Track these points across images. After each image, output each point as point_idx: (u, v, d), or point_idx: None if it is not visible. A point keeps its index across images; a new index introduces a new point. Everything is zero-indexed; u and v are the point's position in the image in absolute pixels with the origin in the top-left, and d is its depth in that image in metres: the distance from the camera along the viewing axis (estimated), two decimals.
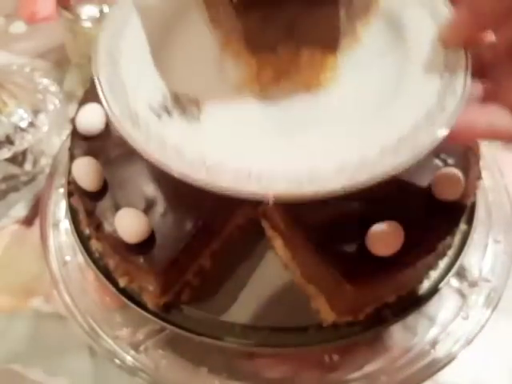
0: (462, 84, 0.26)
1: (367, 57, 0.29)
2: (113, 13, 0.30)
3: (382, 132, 0.26)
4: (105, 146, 0.35)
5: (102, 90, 0.27)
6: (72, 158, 0.35)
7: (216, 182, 0.24)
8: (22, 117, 0.44)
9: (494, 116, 0.26)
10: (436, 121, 0.25)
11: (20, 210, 0.45)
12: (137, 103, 0.27)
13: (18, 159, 0.45)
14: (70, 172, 0.35)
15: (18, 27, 0.58)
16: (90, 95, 0.36)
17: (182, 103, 0.28)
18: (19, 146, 0.44)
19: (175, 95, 0.28)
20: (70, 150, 0.35)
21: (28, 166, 0.46)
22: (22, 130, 0.44)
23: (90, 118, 0.35)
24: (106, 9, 0.46)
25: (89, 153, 0.35)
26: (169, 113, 0.27)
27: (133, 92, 0.27)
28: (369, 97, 0.28)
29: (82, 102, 0.36)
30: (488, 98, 0.27)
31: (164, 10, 0.31)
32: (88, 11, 0.47)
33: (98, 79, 0.27)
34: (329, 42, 0.27)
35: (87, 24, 0.47)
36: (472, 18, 0.26)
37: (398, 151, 0.24)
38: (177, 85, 0.29)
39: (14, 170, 0.45)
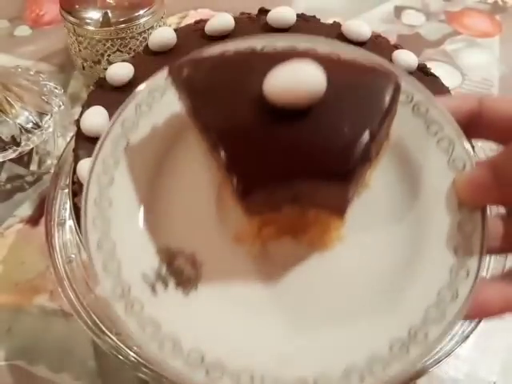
0: (476, 265, 0.24)
1: (374, 210, 0.27)
2: (100, 160, 0.27)
3: (391, 323, 0.24)
4: None
5: (92, 261, 0.25)
6: (76, 158, 0.35)
7: None
8: (27, 118, 0.45)
9: (508, 289, 0.24)
10: (447, 311, 0.23)
11: (25, 209, 0.46)
12: (130, 272, 0.25)
13: (23, 160, 0.45)
14: (74, 172, 0.35)
15: (23, 31, 0.58)
16: (94, 98, 0.37)
17: (178, 266, 0.26)
18: (25, 146, 0.44)
19: (170, 254, 0.26)
20: (75, 150, 0.36)
21: (33, 167, 0.46)
22: (28, 131, 0.44)
23: (94, 120, 0.36)
24: (109, 13, 0.47)
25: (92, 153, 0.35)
26: (164, 283, 0.26)
27: (125, 257, 0.25)
28: (376, 266, 0.26)
29: (86, 105, 0.37)
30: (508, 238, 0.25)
31: (153, 149, 0.28)
32: (91, 15, 0.47)
33: (87, 245, 0.25)
34: (336, 208, 0.25)
35: (91, 28, 0.47)
36: (495, 183, 0.24)
37: (407, 350, 0.23)
38: (171, 239, 0.27)
39: (19, 170, 0.45)
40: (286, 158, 0.23)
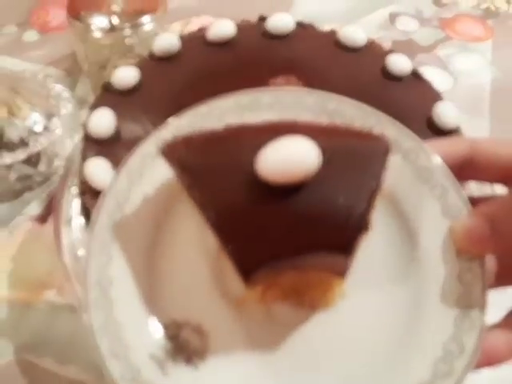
0: (480, 314, 0.24)
1: (373, 266, 0.27)
2: (97, 237, 0.26)
3: (400, 381, 0.24)
4: (115, 148, 0.36)
5: (99, 345, 0.24)
6: (84, 159, 0.36)
7: None
8: (35, 121, 0.45)
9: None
10: (456, 365, 0.23)
11: (34, 208, 0.46)
12: (138, 354, 0.24)
13: (32, 160, 0.45)
14: (81, 172, 0.36)
15: (31, 36, 0.59)
16: (101, 101, 0.37)
17: (184, 338, 0.26)
18: (33, 148, 0.45)
19: (175, 327, 0.26)
20: (82, 152, 0.36)
21: (42, 167, 0.47)
22: (36, 133, 0.45)
23: (101, 122, 0.36)
24: (115, 19, 0.48)
25: (99, 155, 0.36)
26: (173, 359, 0.25)
27: (131, 338, 0.25)
28: (379, 322, 0.26)
29: (93, 107, 0.37)
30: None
31: (148, 219, 0.27)
32: (98, 21, 0.48)
33: (92, 328, 0.24)
34: (338, 271, 0.25)
35: (97, 33, 0.48)
36: (493, 235, 0.23)
37: None
38: (174, 311, 0.26)
39: (28, 170, 0.46)
40: (285, 236, 0.22)
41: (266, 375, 0.25)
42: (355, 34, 0.39)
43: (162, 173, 0.27)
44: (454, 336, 0.24)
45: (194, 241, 0.27)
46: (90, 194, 0.35)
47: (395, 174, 0.26)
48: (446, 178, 0.25)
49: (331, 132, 0.25)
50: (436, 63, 0.57)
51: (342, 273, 0.25)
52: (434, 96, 0.38)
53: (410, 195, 0.26)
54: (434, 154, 0.26)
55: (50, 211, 0.45)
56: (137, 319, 0.25)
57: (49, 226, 0.44)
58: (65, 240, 0.40)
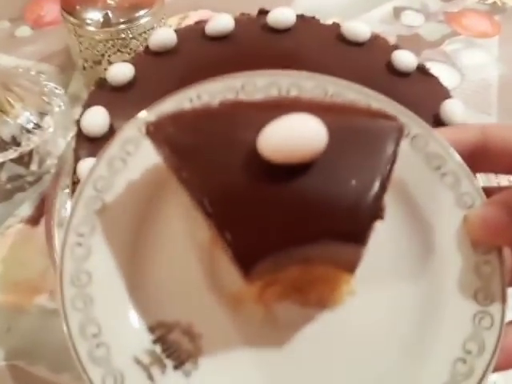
0: (500, 310, 0.22)
1: (384, 260, 0.25)
2: (73, 230, 0.24)
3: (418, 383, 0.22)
4: None
5: (76, 350, 0.22)
6: (77, 158, 0.35)
7: None
8: (27, 119, 0.45)
9: None
10: (476, 365, 0.22)
11: (26, 209, 0.45)
12: (121, 358, 0.22)
13: (24, 160, 0.45)
14: (75, 172, 0.35)
15: (24, 31, 0.58)
16: (94, 98, 0.37)
17: (174, 341, 0.24)
18: (25, 146, 0.44)
19: (163, 329, 0.24)
20: (75, 150, 0.36)
21: (34, 167, 0.46)
22: (28, 131, 0.44)
23: (95, 120, 0.35)
24: (110, 14, 0.47)
25: (93, 154, 0.33)
26: (161, 365, 0.23)
27: (114, 341, 0.23)
28: (393, 321, 0.24)
29: (87, 105, 0.36)
30: None
31: (132, 209, 0.25)
32: (92, 16, 0.47)
33: (69, 331, 0.22)
34: (347, 265, 0.23)
35: (91, 28, 0.47)
36: (510, 224, 0.22)
37: None
38: (162, 312, 0.24)
39: (20, 170, 0.45)
40: (290, 222, 0.20)
41: (267, 381, 0.23)
42: (359, 27, 0.38)
43: (147, 158, 0.25)
44: (473, 334, 0.22)
45: (183, 232, 0.25)
46: None
47: (404, 160, 0.24)
48: (457, 165, 0.24)
49: (338, 110, 0.23)
50: (443, 59, 0.57)
51: (351, 267, 0.23)
52: (442, 93, 0.37)
53: (420, 184, 0.25)
54: (444, 141, 0.25)
55: (42, 212, 0.44)
56: (119, 320, 0.23)
57: (41, 227, 0.43)
58: (57, 242, 0.39)
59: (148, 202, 0.25)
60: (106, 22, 0.47)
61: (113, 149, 0.25)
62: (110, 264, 0.24)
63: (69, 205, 0.39)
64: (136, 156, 0.25)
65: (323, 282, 0.24)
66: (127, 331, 0.23)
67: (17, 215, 0.45)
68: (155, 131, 0.22)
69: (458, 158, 0.24)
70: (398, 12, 0.63)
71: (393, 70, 0.37)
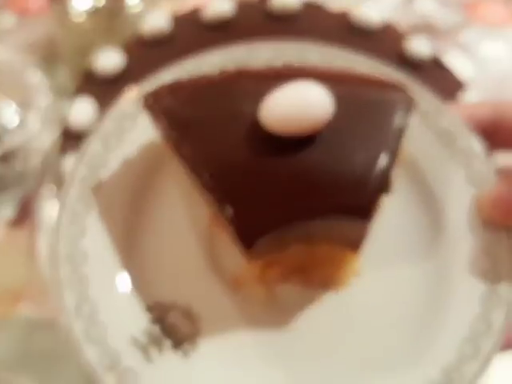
0: (508, 290, 0.22)
1: (390, 239, 0.24)
2: (68, 209, 0.24)
3: (423, 365, 0.22)
4: None
5: (71, 329, 0.22)
6: (63, 155, 0.34)
7: None
8: (10, 114, 0.43)
9: None
10: (482, 345, 0.22)
11: (8, 211, 0.44)
12: (117, 338, 0.22)
13: (6, 158, 0.43)
14: (60, 171, 0.34)
15: (8, 21, 0.56)
16: (82, 90, 0.35)
17: (172, 323, 0.23)
18: (8, 144, 0.42)
19: (161, 310, 0.23)
20: (62, 147, 0.35)
21: (17, 165, 0.44)
22: (11, 127, 0.43)
23: (82, 115, 0.34)
24: (99, 2, 0.45)
25: None
26: (158, 345, 0.23)
27: (110, 320, 0.23)
28: (399, 302, 0.24)
29: (73, 99, 0.36)
30: None
31: (129, 187, 0.25)
32: (80, 4, 0.45)
33: (64, 310, 0.22)
34: (352, 243, 0.23)
35: (79, 18, 0.46)
36: None
37: None
38: (160, 292, 0.24)
39: (2, 169, 0.43)
40: (294, 196, 0.20)
41: (269, 363, 0.23)
42: (369, 15, 0.37)
43: (144, 134, 0.25)
44: (481, 314, 0.22)
45: (181, 211, 0.25)
46: None
47: (414, 136, 0.24)
48: (470, 142, 0.24)
49: (346, 79, 0.22)
50: (458, 49, 0.55)
51: (356, 245, 0.22)
52: (457, 84, 0.36)
53: (430, 160, 0.25)
54: (457, 117, 0.24)
55: (25, 214, 0.42)
56: (115, 299, 0.23)
57: (24, 230, 0.41)
58: (42, 246, 0.39)
59: (145, 179, 0.25)
60: (95, 10, 0.45)
61: (107, 125, 0.25)
62: (106, 243, 0.24)
63: (53, 206, 0.38)
64: (132, 132, 0.25)
65: (327, 261, 0.24)
66: (124, 311, 0.23)
67: None
68: (153, 103, 0.22)
69: (470, 134, 0.24)
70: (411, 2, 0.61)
71: (405, 61, 0.35)
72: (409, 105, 0.22)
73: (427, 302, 0.23)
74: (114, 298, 0.23)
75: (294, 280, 0.24)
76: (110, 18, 0.45)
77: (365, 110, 0.21)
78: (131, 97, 0.25)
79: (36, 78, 0.45)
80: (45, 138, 0.44)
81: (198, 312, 0.23)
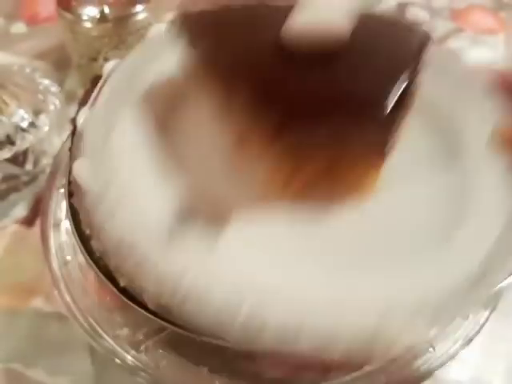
0: None
1: (414, 159, 0.25)
2: (100, 105, 0.25)
3: (448, 269, 0.22)
4: None
5: (95, 210, 0.23)
6: (72, 157, 0.34)
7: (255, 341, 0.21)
8: (22, 117, 0.44)
9: None
10: (507, 264, 0.22)
11: (21, 210, 0.45)
12: (144, 218, 0.22)
13: (18, 159, 0.44)
14: (70, 172, 0.34)
15: (19, 28, 0.57)
16: (90, 95, 0.34)
17: (200, 212, 0.23)
18: (20, 146, 0.43)
19: (191, 198, 0.23)
20: (71, 149, 0.35)
21: (29, 166, 0.45)
22: (23, 130, 0.44)
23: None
24: (106, 9, 0.46)
25: None
26: (185, 225, 0.23)
27: (136, 200, 0.23)
28: (423, 214, 0.24)
29: (82, 103, 0.35)
30: None
31: (161, 99, 0.26)
32: (88, 12, 0.47)
33: (87, 195, 0.23)
34: (376, 148, 0.23)
35: (88, 25, 0.47)
36: None
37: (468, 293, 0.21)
38: (189, 187, 0.24)
39: (14, 170, 0.45)
40: (322, 96, 0.21)
41: (297, 251, 0.23)
42: None
43: (170, 63, 0.25)
44: (507, 229, 0.22)
45: (207, 138, 0.25)
46: (79, 195, 0.34)
47: (430, 77, 0.24)
48: (484, 82, 0.26)
49: (367, 17, 0.24)
50: None
51: (380, 151, 0.22)
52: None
53: (448, 99, 0.26)
54: (470, 64, 0.26)
55: (37, 213, 0.44)
56: (143, 181, 0.24)
57: (36, 228, 0.42)
58: (53, 244, 0.39)
59: (175, 98, 0.26)
60: (103, 18, 0.46)
61: (148, 42, 0.27)
62: (136, 139, 0.24)
63: (64, 205, 0.39)
64: (167, 53, 0.26)
65: (352, 169, 0.23)
66: (151, 193, 0.23)
67: (11, 216, 0.45)
68: (185, 20, 0.23)
69: (484, 75, 0.25)
70: (402, 8, 0.62)
71: None
72: (426, 38, 0.23)
73: (451, 215, 0.24)
74: (141, 180, 0.24)
75: (318, 189, 0.24)
76: (117, 26, 0.47)
77: (385, 37, 0.23)
78: (159, 26, 0.27)
79: (47, 83, 0.46)
80: (55, 140, 0.46)
81: (228, 205, 0.23)
